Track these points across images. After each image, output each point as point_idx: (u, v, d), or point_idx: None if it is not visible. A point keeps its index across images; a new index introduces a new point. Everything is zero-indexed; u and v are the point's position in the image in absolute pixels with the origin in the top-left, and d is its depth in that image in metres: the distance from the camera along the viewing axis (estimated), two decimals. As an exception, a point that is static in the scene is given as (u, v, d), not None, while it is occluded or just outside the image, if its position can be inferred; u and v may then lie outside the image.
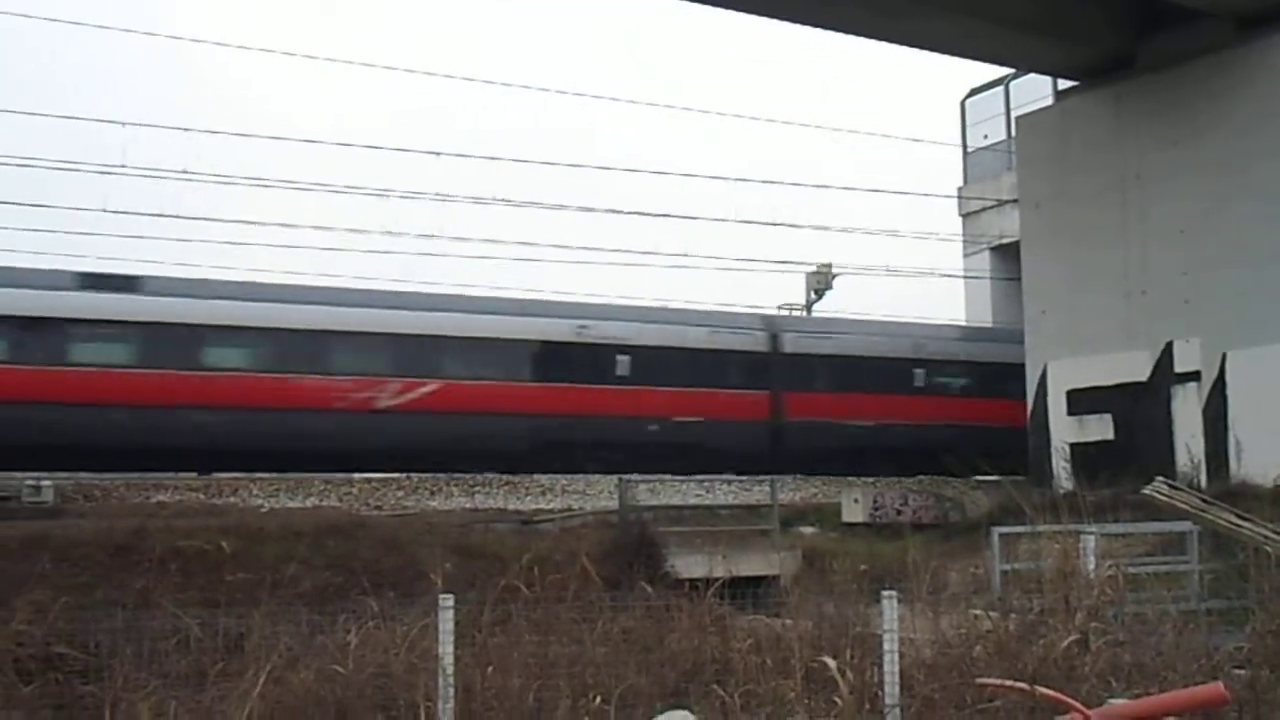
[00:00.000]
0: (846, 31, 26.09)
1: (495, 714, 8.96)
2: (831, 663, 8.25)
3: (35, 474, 20.90)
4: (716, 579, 12.02)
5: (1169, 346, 25.05)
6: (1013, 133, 32.19)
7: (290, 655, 9.51)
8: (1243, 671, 9.61)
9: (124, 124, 29.78)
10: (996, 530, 16.40)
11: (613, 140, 66.64)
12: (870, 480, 27.33)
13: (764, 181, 40.82)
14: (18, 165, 25.54)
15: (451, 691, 8.95)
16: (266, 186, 28.88)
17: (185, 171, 26.15)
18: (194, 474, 23.25)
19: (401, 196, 29.49)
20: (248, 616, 10.39)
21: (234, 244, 47.58)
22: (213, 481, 22.50)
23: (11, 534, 15.99)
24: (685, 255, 39.10)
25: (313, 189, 29.42)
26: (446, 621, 9.26)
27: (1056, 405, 26.99)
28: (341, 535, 17.02)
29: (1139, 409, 25.42)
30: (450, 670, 9.06)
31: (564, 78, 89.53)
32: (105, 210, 26.14)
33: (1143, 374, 25.46)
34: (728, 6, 24.13)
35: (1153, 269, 25.49)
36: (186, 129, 35.89)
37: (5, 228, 28.71)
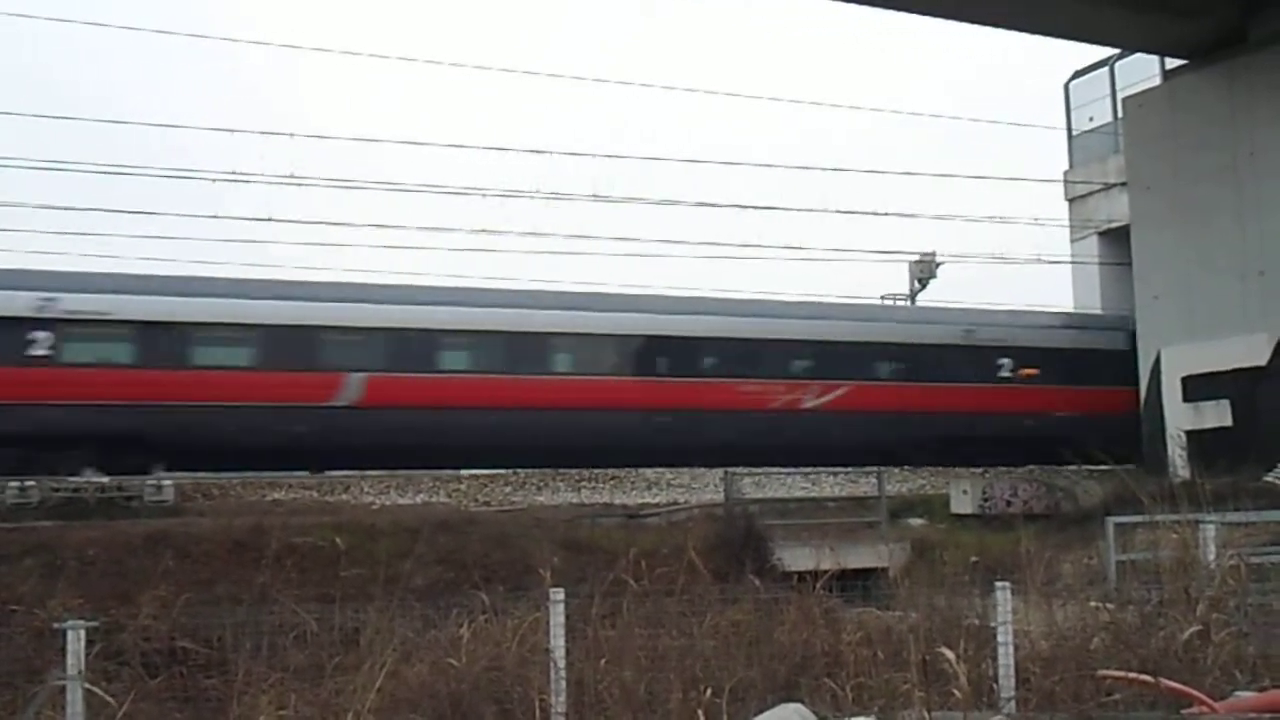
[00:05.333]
0: (947, 17, 25.78)
1: (607, 706, 9.01)
2: (950, 654, 8.14)
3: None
4: (824, 571, 11.96)
5: (1289, 329, 24.31)
6: (1119, 114, 31.48)
7: (405, 649, 9.68)
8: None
9: (233, 131, 30.14)
10: (1111, 520, 16.06)
11: (709, 133, 66.59)
12: (979, 470, 26.96)
13: (853, 170, 40.24)
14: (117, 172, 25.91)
15: (564, 684, 9.03)
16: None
17: (291, 175, 26.38)
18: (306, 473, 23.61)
19: (503, 195, 29.48)
20: (363, 611, 10.60)
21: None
22: (325, 479, 22.94)
23: (135, 532, 16.52)
24: (795, 247, 38.90)
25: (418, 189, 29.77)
26: (558, 615, 9.35)
27: (1171, 392, 26.33)
28: (452, 531, 17.28)
29: (1259, 394, 24.69)
30: (563, 663, 9.15)
31: (655, 70, 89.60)
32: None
33: (1262, 358, 24.72)
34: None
35: (1270, 249, 24.73)
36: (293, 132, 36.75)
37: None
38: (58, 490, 20.17)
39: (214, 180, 26.15)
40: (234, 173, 25.87)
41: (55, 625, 9.60)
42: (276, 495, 21.71)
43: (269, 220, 28.41)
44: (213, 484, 22.02)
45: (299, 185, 26.14)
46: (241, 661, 9.57)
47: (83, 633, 8.97)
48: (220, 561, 15.65)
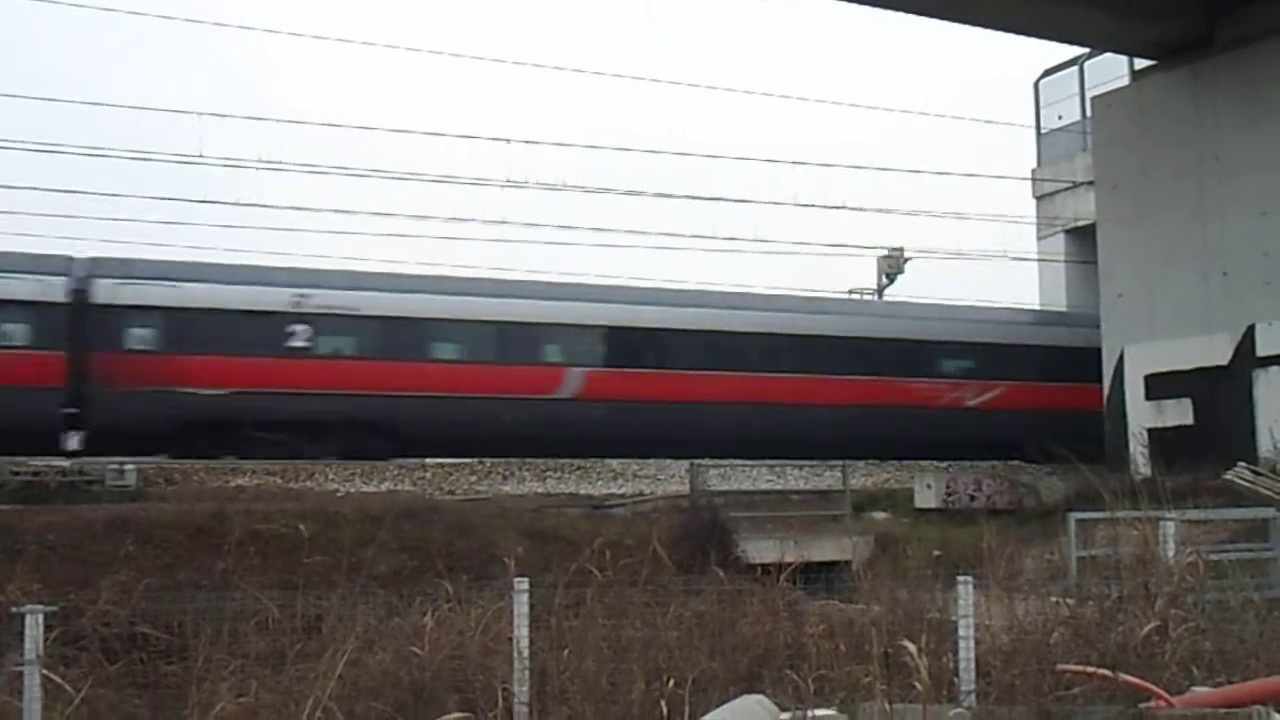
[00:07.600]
0: (918, 13, 25.82)
1: (570, 696, 9.01)
2: (911, 647, 8.19)
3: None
4: (788, 564, 12.00)
5: (1250, 330, 24.53)
6: (1088, 114, 31.69)
7: (367, 636, 9.64)
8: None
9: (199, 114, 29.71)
10: (1073, 516, 16.18)
11: (681, 125, 66.57)
12: (944, 465, 27.08)
13: (836, 165, 40.40)
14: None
15: (527, 673, 9.02)
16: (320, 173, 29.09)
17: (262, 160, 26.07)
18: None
19: (471, 183, 29.30)
20: (325, 598, 10.55)
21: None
22: (289, 466, 22.80)
23: (96, 516, 16.37)
24: (759, 240, 39.05)
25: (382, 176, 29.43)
26: (521, 604, 9.34)
27: (1134, 390, 26.55)
28: (416, 519, 17.22)
29: (1219, 393, 24.93)
30: (526, 652, 9.13)
31: (629, 62, 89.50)
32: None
33: (1223, 358, 24.96)
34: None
35: (1233, 250, 24.96)
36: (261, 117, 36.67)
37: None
38: (18, 473, 19.95)
39: (187, 162, 25.74)
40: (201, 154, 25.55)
41: (13, 609, 9.50)
42: (239, 481, 21.56)
43: (248, 205, 28.08)
44: (175, 469, 21.85)
45: (276, 170, 25.96)
46: (202, 648, 9.49)
47: (41, 617, 8.88)
48: (182, 547, 15.55)
